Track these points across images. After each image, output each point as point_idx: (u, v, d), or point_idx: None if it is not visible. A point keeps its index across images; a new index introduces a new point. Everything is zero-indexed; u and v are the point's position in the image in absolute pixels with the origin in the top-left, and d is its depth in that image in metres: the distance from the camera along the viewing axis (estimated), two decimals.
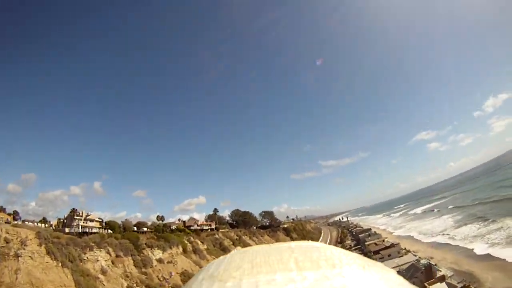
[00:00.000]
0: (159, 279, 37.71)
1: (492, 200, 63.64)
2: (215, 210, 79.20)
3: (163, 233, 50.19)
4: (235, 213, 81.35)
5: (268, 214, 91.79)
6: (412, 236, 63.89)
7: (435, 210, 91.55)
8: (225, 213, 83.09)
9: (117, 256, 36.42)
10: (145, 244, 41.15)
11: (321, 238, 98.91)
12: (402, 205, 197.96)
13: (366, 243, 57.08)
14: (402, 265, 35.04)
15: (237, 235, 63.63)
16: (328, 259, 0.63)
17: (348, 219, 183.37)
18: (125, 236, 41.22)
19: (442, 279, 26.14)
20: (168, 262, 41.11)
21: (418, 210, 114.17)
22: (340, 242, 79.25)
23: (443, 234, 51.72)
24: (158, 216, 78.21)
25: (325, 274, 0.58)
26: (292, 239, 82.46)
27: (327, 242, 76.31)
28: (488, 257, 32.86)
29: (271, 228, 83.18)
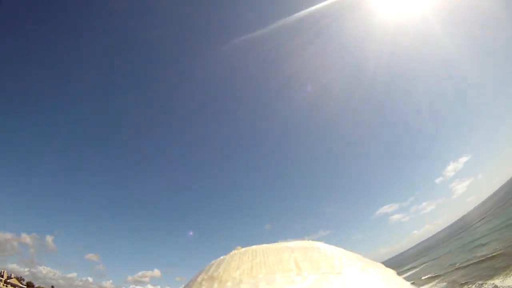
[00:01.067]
0: None
1: (471, 262, 59.30)
2: None
3: None
4: None
5: None
6: None
7: (413, 283, 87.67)
8: None
9: None
10: None
11: None
12: None
13: None
14: None
15: None
16: (328, 259, 0.63)
17: None
18: None
19: None
20: None
21: None
22: None
23: None
24: None
25: (325, 275, 0.57)
26: None
27: None
28: None
29: None
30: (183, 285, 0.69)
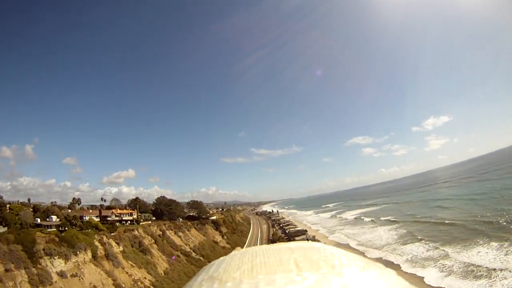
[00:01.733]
0: None
1: (430, 221, 63.27)
2: (136, 200, 72.88)
3: (71, 229, 42.63)
4: (160, 201, 73.50)
5: (196, 204, 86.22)
6: (350, 245, 62.63)
7: (368, 219, 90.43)
8: (154, 189, 76.68)
9: (6, 270, 28.44)
10: (43, 250, 33.00)
11: (250, 232, 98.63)
12: (331, 205, 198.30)
13: None
14: None
15: (160, 230, 58.52)
16: (328, 259, 0.64)
17: (278, 211, 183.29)
18: (19, 238, 33.59)
19: None
20: (73, 276, 33.83)
21: (350, 214, 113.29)
22: (272, 242, 77.31)
23: (388, 250, 50.17)
24: (73, 199, 68.75)
25: (325, 275, 0.58)
26: (222, 233, 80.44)
27: (258, 239, 70.33)
28: None
29: (199, 220, 78.93)
30: (184, 286, 0.68)
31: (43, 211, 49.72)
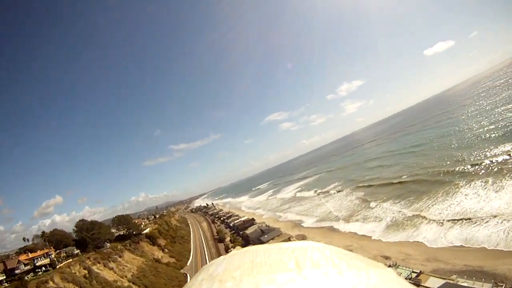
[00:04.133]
0: None
1: (377, 183, 62.67)
2: (54, 233, 57.21)
3: None
4: (80, 227, 58.64)
5: (123, 220, 72.19)
6: (305, 224, 58.38)
7: (308, 193, 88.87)
8: (85, 211, 60.97)
9: None
10: None
11: (192, 236, 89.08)
12: (262, 186, 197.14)
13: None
14: None
15: (85, 268, 45.35)
16: (328, 259, 0.64)
17: (213, 204, 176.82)
18: None
19: None
20: None
21: (287, 191, 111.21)
22: (219, 240, 69.05)
23: (360, 219, 47.35)
24: None
25: (325, 274, 0.58)
26: (161, 247, 69.12)
27: (203, 242, 60.55)
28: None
29: (131, 239, 65.91)
30: (184, 286, 0.67)
31: None
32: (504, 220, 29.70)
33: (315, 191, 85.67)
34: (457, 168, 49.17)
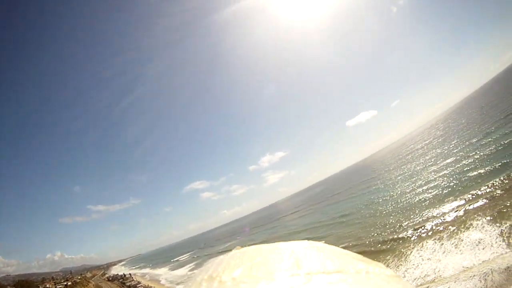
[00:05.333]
0: None
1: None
2: None
3: None
4: None
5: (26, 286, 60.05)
6: None
7: None
8: None
9: None
10: None
11: None
12: (183, 257, 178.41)
13: None
14: None
15: None
16: (328, 259, 0.63)
17: (131, 274, 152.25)
18: None
19: None
20: None
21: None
22: None
23: None
24: None
25: (326, 274, 0.57)
26: None
27: None
28: None
29: None
30: (184, 286, 0.67)
31: None
32: (475, 274, 23.60)
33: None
34: (400, 234, 43.62)
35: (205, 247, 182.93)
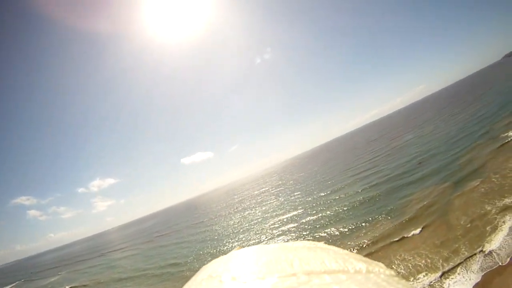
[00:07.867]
0: None
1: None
2: None
3: None
4: None
5: None
6: None
7: None
8: None
9: None
10: None
11: None
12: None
13: None
14: None
15: None
16: (331, 259, 0.62)
17: None
18: None
19: None
20: None
21: None
22: None
23: None
24: None
25: (329, 274, 0.57)
26: None
27: None
28: None
29: None
30: (184, 286, 0.66)
31: None
32: None
33: None
34: None
35: (25, 281, 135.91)
